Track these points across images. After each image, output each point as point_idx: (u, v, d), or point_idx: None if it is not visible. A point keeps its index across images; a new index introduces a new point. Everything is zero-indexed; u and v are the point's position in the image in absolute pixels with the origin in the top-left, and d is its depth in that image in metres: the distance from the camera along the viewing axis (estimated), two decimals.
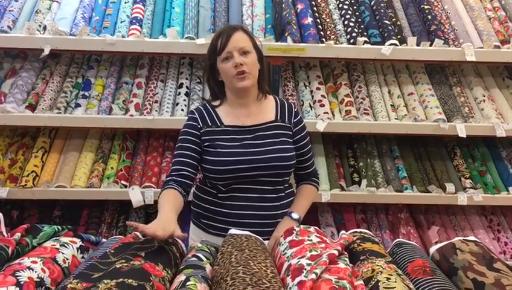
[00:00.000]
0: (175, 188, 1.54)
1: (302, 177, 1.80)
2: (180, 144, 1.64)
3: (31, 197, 2.34)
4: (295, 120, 1.72)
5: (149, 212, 2.56)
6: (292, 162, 1.64)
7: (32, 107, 2.34)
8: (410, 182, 2.53)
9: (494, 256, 1.12)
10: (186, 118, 1.68)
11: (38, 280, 0.97)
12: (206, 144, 1.62)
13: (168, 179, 1.59)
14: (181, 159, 1.61)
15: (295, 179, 1.83)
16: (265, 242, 1.34)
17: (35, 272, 0.98)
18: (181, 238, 1.26)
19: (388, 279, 0.99)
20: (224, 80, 1.63)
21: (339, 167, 2.61)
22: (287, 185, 1.71)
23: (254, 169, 1.57)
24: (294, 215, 1.64)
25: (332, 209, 2.69)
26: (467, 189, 2.50)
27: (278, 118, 1.69)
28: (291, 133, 1.69)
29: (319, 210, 2.66)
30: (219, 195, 1.63)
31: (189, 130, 1.65)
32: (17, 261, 1.03)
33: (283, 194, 1.67)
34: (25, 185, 2.31)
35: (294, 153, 1.66)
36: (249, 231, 1.34)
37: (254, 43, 1.63)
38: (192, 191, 1.71)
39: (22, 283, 0.93)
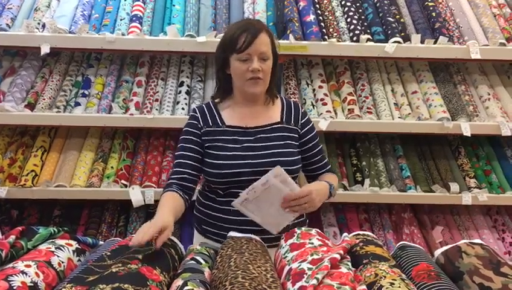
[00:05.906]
0: (176, 191, 1.48)
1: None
2: (181, 144, 1.59)
3: (30, 196, 2.32)
4: (302, 121, 1.65)
5: (150, 212, 2.54)
6: (295, 167, 1.56)
7: (31, 106, 2.32)
8: (413, 182, 2.50)
9: (501, 260, 1.09)
10: (187, 116, 1.62)
11: (31, 284, 0.94)
12: (206, 144, 1.56)
13: (169, 182, 1.54)
14: (182, 160, 1.55)
15: (310, 182, 1.72)
16: (269, 250, 1.26)
17: (29, 276, 0.95)
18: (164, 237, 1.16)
19: (392, 284, 0.96)
20: (235, 79, 1.56)
21: (342, 166, 2.58)
22: None
23: (253, 173, 1.48)
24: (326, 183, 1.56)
25: (334, 208, 2.67)
26: (472, 189, 2.47)
27: (284, 119, 1.62)
28: (297, 135, 1.62)
29: (322, 210, 2.63)
30: (218, 199, 1.57)
31: (190, 129, 1.59)
32: (10, 265, 1.00)
33: None
34: (24, 184, 2.29)
35: (298, 157, 1.59)
36: None
37: (273, 47, 1.55)
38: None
39: (14, 287, 0.90)
